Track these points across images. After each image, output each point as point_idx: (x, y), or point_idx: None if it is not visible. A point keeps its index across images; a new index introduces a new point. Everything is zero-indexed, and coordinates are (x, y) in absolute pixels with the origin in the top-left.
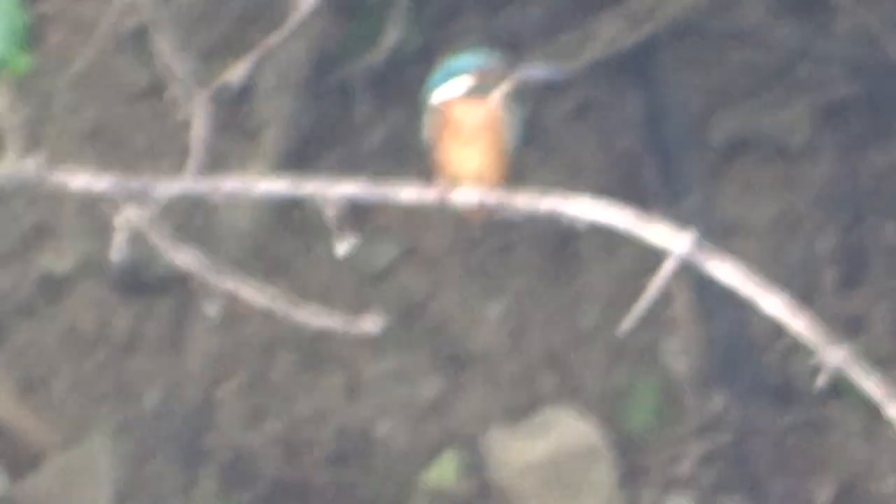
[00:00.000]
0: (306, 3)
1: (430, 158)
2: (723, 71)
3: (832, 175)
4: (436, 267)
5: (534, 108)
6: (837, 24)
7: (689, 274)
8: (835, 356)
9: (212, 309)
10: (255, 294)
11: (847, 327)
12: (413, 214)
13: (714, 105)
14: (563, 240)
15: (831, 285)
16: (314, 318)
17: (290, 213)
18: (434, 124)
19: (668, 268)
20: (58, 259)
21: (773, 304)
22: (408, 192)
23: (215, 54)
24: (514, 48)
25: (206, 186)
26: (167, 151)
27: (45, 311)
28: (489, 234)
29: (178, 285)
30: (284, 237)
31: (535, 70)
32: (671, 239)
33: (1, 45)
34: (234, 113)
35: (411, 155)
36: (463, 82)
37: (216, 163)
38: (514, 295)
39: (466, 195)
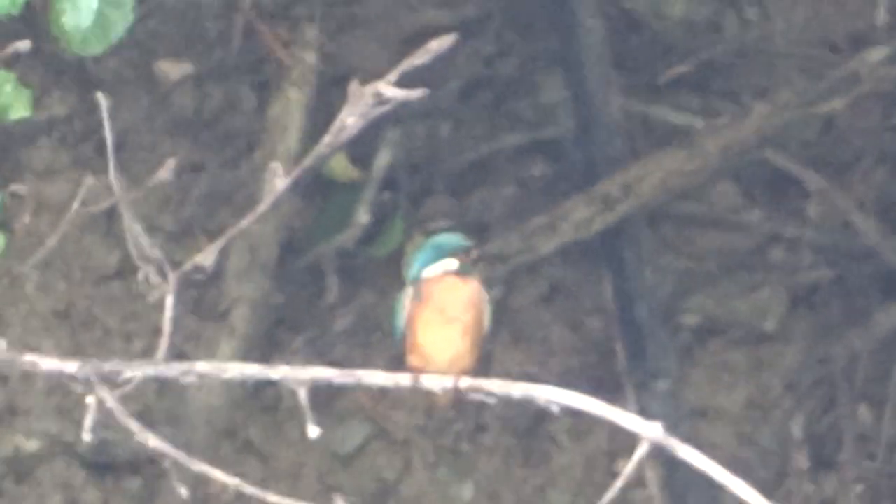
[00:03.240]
0: (280, 183)
1: (405, 338)
2: (695, 254)
3: (805, 358)
4: (407, 448)
5: (504, 290)
6: (810, 209)
7: (661, 455)
8: None
9: (183, 491)
10: (225, 477)
11: None
12: (384, 395)
13: (686, 287)
14: (535, 422)
15: (804, 468)
16: (282, 499)
17: (261, 393)
18: (415, 302)
19: (639, 453)
20: (26, 438)
21: (746, 491)
22: (381, 378)
23: (185, 234)
24: (483, 230)
25: (178, 369)
26: (138, 332)
27: (13, 491)
28: (460, 416)
29: (148, 465)
30: (255, 417)
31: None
32: (642, 426)
33: None
34: (204, 293)
35: (380, 337)
36: (451, 261)
37: (186, 341)
38: (486, 477)
39: (440, 381)
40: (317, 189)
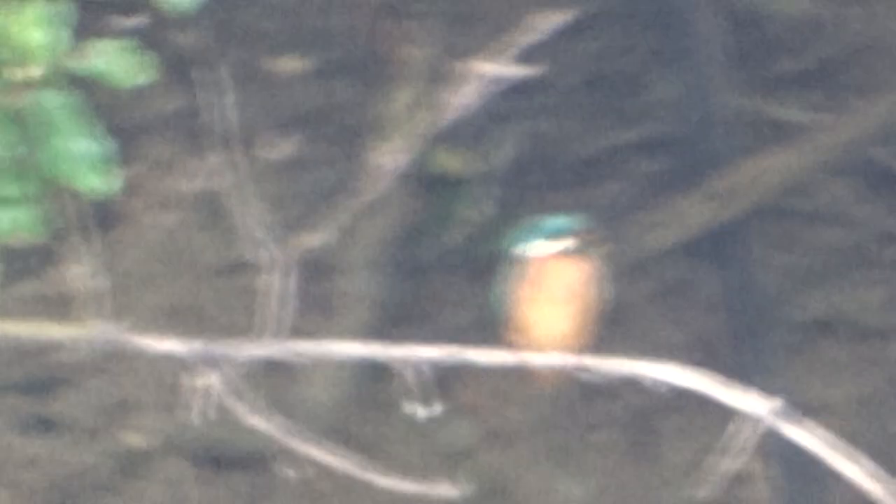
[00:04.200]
0: (385, 170)
1: (512, 321)
2: (805, 251)
3: None
4: (517, 447)
5: (616, 287)
6: None
7: (769, 454)
8: None
9: (291, 473)
10: (335, 459)
11: None
12: (494, 393)
13: (796, 285)
14: (643, 419)
15: None
16: (398, 484)
17: (371, 388)
18: (522, 282)
19: (750, 436)
20: (138, 435)
21: (859, 474)
22: (490, 356)
23: (295, 227)
24: (598, 226)
25: (286, 350)
26: (247, 325)
27: (123, 488)
28: (570, 414)
29: (256, 463)
30: (363, 414)
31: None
32: (756, 405)
33: (80, 170)
34: (315, 289)
35: (494, 335)
36: (562, 241)
37: (298, 336)
38: (597, 476)
39: (545, 357)
40: (429, 186)
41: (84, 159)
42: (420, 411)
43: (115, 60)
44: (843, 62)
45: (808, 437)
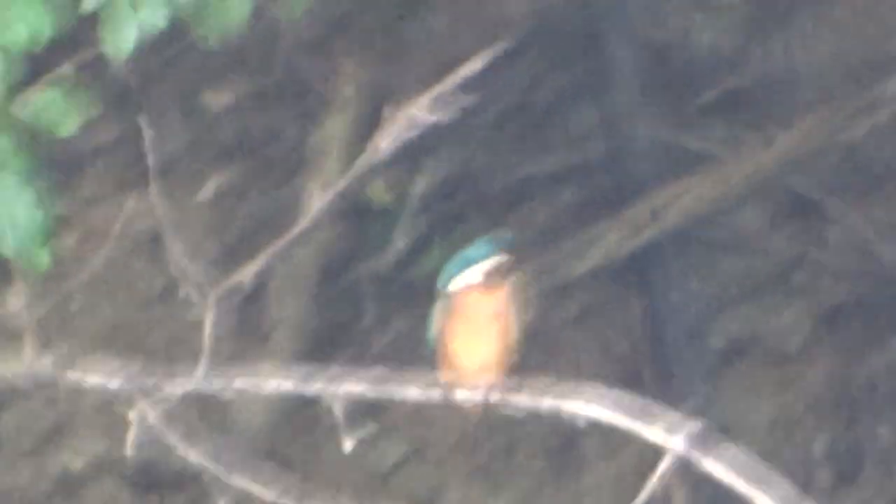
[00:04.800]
0: (317, 205)
1: (437, 351)
2: (720, 277)
3: (828, 378)
4: (442, 466)
5: (536, 312)
6: (831, 233)
7: (689, 473)
8: None
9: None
10: (265, 490)
11: None
12: (419, 414)
13: (713, 309)
14: (566, 440)
15: (826, 486)
16: None
17: (300, 412)
18: (446, 313)
19: (665, 462)
20: (74, 457)
21: (776, 497)
22: (412, 391)
23: (227, 258)
24: (516, 253)
25: (218, 383)
26: (181, 354)
27: None
28: (493, 434)
29: (191, 482)
30: (294, 436)
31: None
32: (676, 426)
33: (21, 242)
34: (246, 315)
35: (417, 358)
36: (479, 270)
37: (229, 364)
38: (518, 495)
39: (470, 393)
40: (356, 215)
41: (28, 232)
42: (347, 443)
43: (55, 109)
44: (749, 95)
45: (724, 463)
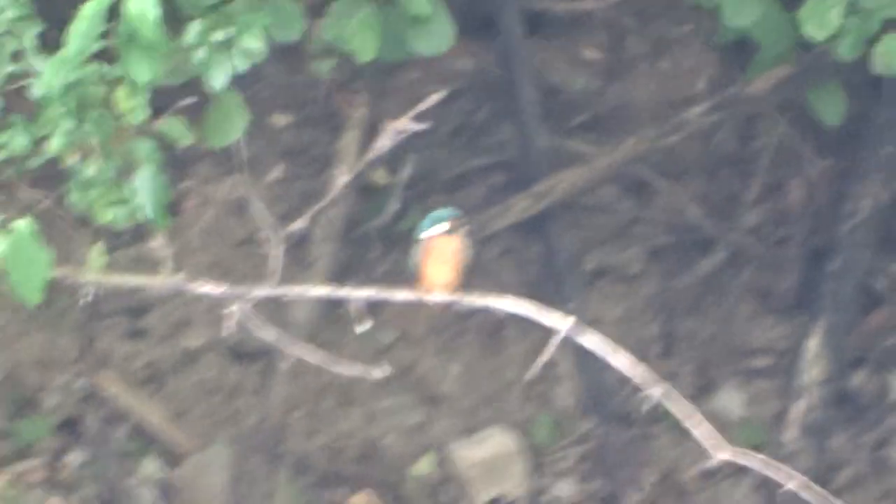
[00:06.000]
0: (339, 182)
1: (416, 274)
2: (588, 227)
3: (656, 290)
4: (419, 344)
5: (476, 250)
6: (658, 200)
7: (571, 346)
8: (657, 392)
9: (287, 364)
10: (310, 355)
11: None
12: (405, 311)
13: (584, 250)
14: (496, 327)
15: (654, 353)
16: (347, 369)
17: (331, 310)
18: (422, 252)
19: (556, 339)
20: (193, 339)
21: (622, 361)
22: (402, 295)
23: (287, 216)
24: (464, 214)
25: (281, 291)
26: (259, 274)
27: (187, 373)
28: (451, 323)
29: (265, 354)
30: (328, 325)
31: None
32: (560, 321)
33: (152, 210)
34: (299, 252)
35: (403, 278)
36: (442, 226)
37: (288, 282)
38: (468, 359)
39: (438, 297)
40: (365, 190)
41: (160, 203)
42: (360, 326)
43: (178, 128)
44: (606, 117)
45: (592, 340)
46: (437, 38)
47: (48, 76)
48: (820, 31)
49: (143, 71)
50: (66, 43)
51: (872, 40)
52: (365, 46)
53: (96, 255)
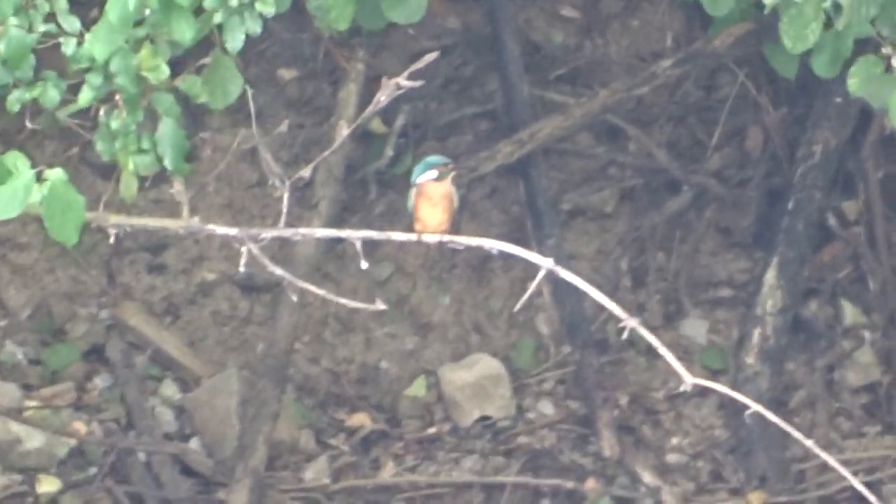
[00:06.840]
0: (344, 132)
1: (411, 216)
2: (568, 170)
3: (627, 227)
4: (413, 277)
5: (465, 191)
6: (630, 146)
7: (552, 280)
8: (631, 322)
9: (294, 297)
10: (316, 288)
11: (635, 311)
12: (402, 247)
13: (563, 188)
14: (483, 261)
15: (625, 285)
16: (349, 301)
17: (335, 248)
18: (416, 195)
19: (540, 274)
20: (209, 273)
21: (598, 295)
22: (398, 235)
23: (294, 162)
24: (455, 158)
25: (290, 231)
26: (269, 215)
27: (200, 301)
28: (443, 258)
29: (275, 286)
30: (332, 261)
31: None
32: (542, 260)
33: (173, 159)
34: (305, 194)
35: (400, 218)
36: (434, 171)
37: (294, 222)
38: (457, 291)
39: (431, 237)
40: (365, 138)
41: (179, 153)
42: (363, 263)
43: (196, 85)
44: (583, 70)
45: (570, 276)
46: (410, 8)
47: (92, 46)
48: (797, 44)
49: (184, 32)
50: (106, 13)
51: (848, 63)
52: (341, 17)
53: (127, 184)
